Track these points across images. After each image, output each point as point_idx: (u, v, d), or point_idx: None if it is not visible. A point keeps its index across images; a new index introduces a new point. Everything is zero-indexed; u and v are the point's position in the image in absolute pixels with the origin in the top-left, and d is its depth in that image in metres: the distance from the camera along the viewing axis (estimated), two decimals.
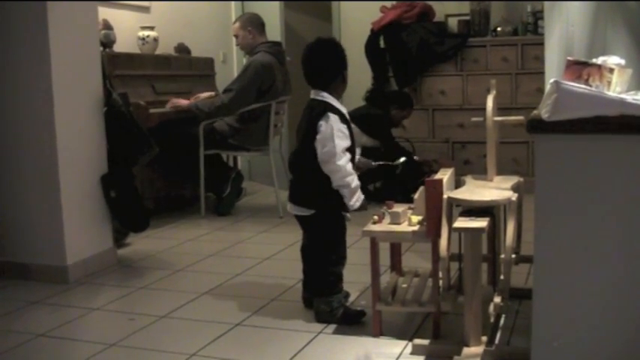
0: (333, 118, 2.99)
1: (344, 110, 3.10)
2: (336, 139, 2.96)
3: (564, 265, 2.06)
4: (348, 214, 3.15)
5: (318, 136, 2.98)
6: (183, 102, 5.40)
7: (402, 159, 3.09)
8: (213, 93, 5.66)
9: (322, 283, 3.11)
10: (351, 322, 3.06)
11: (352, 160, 3.06)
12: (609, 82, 2.16)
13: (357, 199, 3.02)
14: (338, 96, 3.12)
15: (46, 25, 3.67)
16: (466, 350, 2.57)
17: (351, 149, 3.05)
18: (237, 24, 5.63)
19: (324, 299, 3.08)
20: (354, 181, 3.00)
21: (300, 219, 3.14)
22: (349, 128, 3.08)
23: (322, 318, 3.09)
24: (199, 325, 3.13)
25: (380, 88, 6.33)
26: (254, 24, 5.57)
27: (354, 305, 3.22)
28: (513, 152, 6.06)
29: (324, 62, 3.12)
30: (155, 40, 5.82)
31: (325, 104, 3.04)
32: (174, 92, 5.64)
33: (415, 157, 5.90)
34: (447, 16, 6.70)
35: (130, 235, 4.60)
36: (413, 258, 3.90)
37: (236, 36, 5.67)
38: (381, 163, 3.25)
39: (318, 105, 3.06)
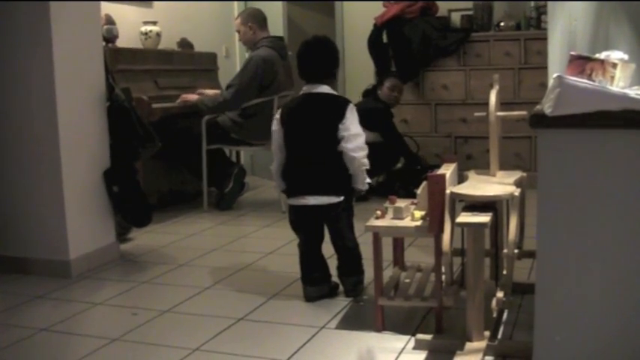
0: (354, 108, 3.22)
1: None
2: (360, 128, 3.21)
3: (567, 259, 2.06)
4: None
5: (351, 127, 3.17)
6: (192, 97, 5.44)
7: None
8: (218, 91, 5.67)
9: (358, 260, 3.28)
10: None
11: None
12: (612, 77, 2.16)
13: (366, 182, 3.23)
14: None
15: (49, 21, 3.67)
16: (469, 345, 2.57)
17: None
18: (239, 20, 5.65)
19: (361, 275, 3.29)
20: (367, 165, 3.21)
21: (327, 208, 3.17)
22: None
23: (358, 292, 3.29)
24: (202, 319, 3.13)
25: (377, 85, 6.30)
26: (255, 19, 5.57)
27: (358, 300, 3.28)
28: (516, 147, 6.06)
29: (333, 57, 3.29)
30: (158, 35, 5.82)
31: (341, 96, 3.29)
32: (177, 87, 5.64)
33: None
34: (450, 10, 6.69)
35: (133, 229, 4.61)
36: (415, 253, 3.90)
37: (238, 31, 5.70)
38: None
39: (334, 97, 3.24)
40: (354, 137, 3.16)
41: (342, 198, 3.16)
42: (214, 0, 7.11)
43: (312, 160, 3.18)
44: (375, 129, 5.72)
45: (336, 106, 3.18)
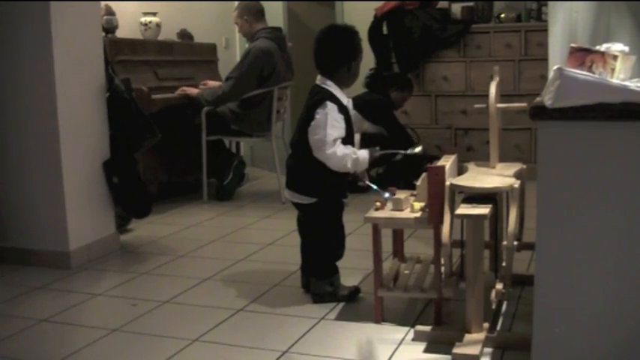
0: (331, 106, 3.00)
1: (345, 101, 3.08)
2: (329, 128, 2.97)
3: (566, 251, 2.06)
4: (346, 200, 3.19)
5: (312, 123, 3.00)
6: (192, 90, 5.44)
7: (418, 149, 3.07)
8: (220, 83, 5.67)
9: (324, 265, 3.17)
10: (350, 299, 3.14)
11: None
12: (613, 69, 2.15)
13: (362, 166, 3.04)
14: (345, 86, 3.11)
15: (48, 11, 3.67)
16: (468, 336, 2.58)
17: (348, 138, 3.06)
18: (235, 13, 5.66)
19: (326, 280, 3.14)
20: (349, 161, 2.99)
21: (300, 205, 3.16)
22: (347, 119, 3.07)
23: (324, 299, 3.14)
24: (202, 310, 3.14)
25: (379, 73, 6.29)
26: (250, 12, 5.57)
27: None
28: (516, 139, 6.06)
29: (329, 50, 3.09)
30: (157, 25, 5.81)
31: (325, 93, 3.04)
32: (177, 78, 5.64)
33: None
34: (451, 2, 6.67)
35: (133, 220, 4.61)
36: (415, 244, 3.91)
37: (236, 24, 5.70)
38: (396, 152, 3.23)
39: (318, 93, 3.06)
40: (316, 146, 2.98)
41: (313, 200, 3.09)
42: None
43: (293, 154, 3.16)
44: (377, 121, 5.72)
45: (314, 102, 3.03)
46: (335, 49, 3.10)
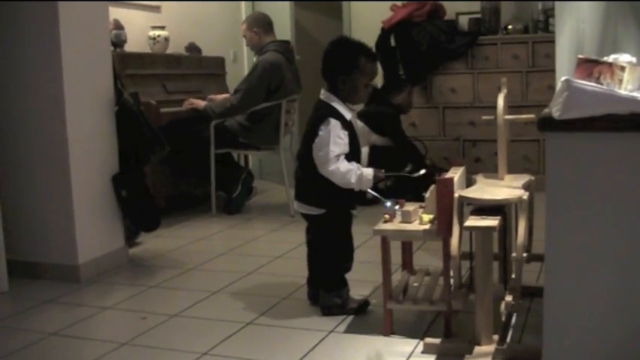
0: (334, 123, 2.99)
1: (349, 116, 3.05)
2: (332, 144, 2.96)
3: (575, 263, 2.06)
4: (354, 211, 3.19)
5: (316, 140, 2.99)
6: (200, 102, 5.46)
7: (422, 171, 3.10)
8: (228, 95, 5.69)
9: (333, 277, 3.16)
10: (359, 312, 3.14)
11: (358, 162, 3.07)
12: (620, 80, 2.15)
13: (366, 183, 3.00)
14: (348, 101, 3.08)
15: (57, 25, 3.69)
16: (478, 349, 2.57)
17: (354, 155, 3.04)
18: (244, 25, 5.68)
19: (335, 293, 3.13)
20: (353, 176, 2.96)
21: (309, 217, 3.16)
22: (352, 135, 3.05)
23: (332, 311, 3.14)
24: (211, 323, 3.14)
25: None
26: (260, 24, 5.59)
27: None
28: (524, 150, 6.05)
29: (325, 60, 3.11)
30: (166, 39, 5.84)
31: (328, 108, 3.04)
32: (185, 91, 5.66)
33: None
34: (458, 14, 6.69)
35: (142, 234, 4.62)
36: (424, 256, 3.90)
37: (244, 37, 5.72)
38: (400, 174, 3.30)
39: (321, 108, 3.06)
40: (320, 162, 2.98)
41: (322, 211, 3.09)
42: (222, 0, 7.13)
43: (300, 166, 3.16)
44: (383, 133, 5.72)
45: (318, 118, 3.03)
46: (330, 60, 3.10)
